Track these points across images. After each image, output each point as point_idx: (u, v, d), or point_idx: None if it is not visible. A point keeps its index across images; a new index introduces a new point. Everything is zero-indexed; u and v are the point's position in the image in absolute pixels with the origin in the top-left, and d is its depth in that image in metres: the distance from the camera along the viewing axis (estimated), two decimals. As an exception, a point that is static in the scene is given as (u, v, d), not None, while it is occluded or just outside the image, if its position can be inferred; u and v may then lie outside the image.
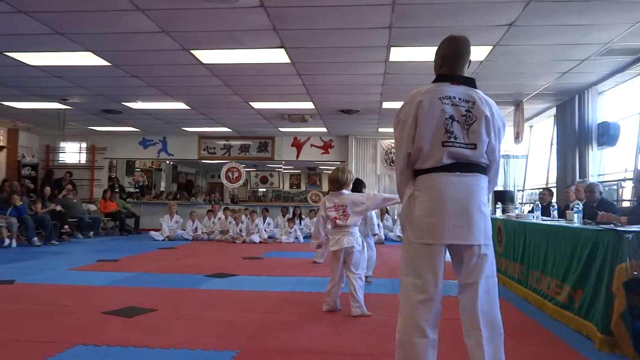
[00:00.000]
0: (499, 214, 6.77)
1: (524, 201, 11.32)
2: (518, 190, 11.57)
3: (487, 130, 2.28)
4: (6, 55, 6.31)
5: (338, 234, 4.15)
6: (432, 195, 2.23)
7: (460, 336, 2.30)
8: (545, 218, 5.34)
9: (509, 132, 9.81)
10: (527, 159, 11.49)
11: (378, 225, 9.48)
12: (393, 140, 12.61)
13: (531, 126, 11.08)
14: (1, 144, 12.22)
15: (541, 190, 8.37)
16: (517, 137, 9.25)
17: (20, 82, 7.81)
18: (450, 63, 2.38)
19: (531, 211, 6.66)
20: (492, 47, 5.78)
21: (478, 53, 6.01)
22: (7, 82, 7.86)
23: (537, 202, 5.79)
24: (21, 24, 5.21)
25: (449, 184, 2.22)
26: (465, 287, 2.27)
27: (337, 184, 4.19)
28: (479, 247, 2.24)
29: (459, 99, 2.28)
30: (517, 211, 6.51)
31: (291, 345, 3.25)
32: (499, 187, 11.62)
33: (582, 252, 3.57)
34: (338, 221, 4.14)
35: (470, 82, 2.37)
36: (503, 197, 9.47)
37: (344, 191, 4.20)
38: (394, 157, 11.93)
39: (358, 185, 5.75)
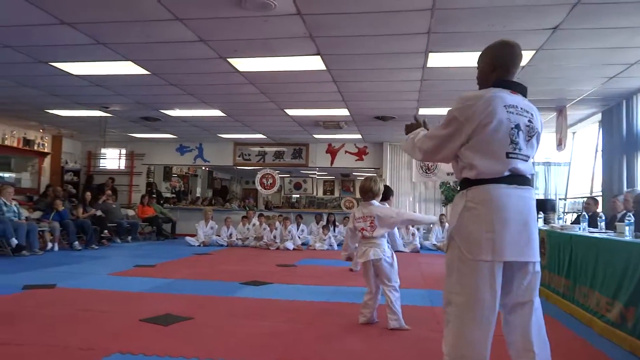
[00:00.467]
0: (540, 224, 6.53)
1: (566, 210, 10.91)
2: (560, 199, 11.17)
3: (538, 144, 2.24)
4: (51, 65, 6.51)
5: (365, 246, 4.07)
6: (490, 209, 2.08)
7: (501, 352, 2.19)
8: (592, 229, 5.10)
9: (551, 138, 9.50)
10: (569, 167, 11.08)
11: (413, 235, 9.37)
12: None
13: (574, 132, 10.69)
14: (46, 150, 12.66)
15: (586, 199, 8.04)
16: (560, 144, 8.92)
17: (64, 90, 8.06)
18: (508, 69, 2.26)
19: (575, 221, 6.40)
20: (534, 51, 5.59)
21: (520, 58, 5.82)
22: (52, 91, 8.12)
23: (584, 213, 5.53)
24: (65, 35, 5.36)
25: (509, 197, 2.09)
26: (517, 307, 2.15)
27: (370, 194, 4.10)
28: (534, 265, 2.14)
29: (521, 108, 2.17)
30: (561, 221, 6.25)
31: (327, 358, 3.17)
32: (540, 196, 11.26)
33: (636, 267, 3.36)
34: (365, 232, 4.05)
35: (525, 91, 2.27)
36: (544, 206, 9.11)
37: (374, 202, 4.10)
38: (430, 164, 11.72)
39: (386, 193, 5.69)
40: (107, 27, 5.17)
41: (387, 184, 6.80)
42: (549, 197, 11.05)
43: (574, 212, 9.64)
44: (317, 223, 12.14)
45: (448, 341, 2.12)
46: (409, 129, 2.55)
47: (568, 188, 11.10)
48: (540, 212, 7.13)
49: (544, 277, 5.49)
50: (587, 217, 5.17)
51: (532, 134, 2.17)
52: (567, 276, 4.72)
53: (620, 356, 3.32)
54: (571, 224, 6.38)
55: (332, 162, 13.62)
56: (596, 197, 8.12)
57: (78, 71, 6.82)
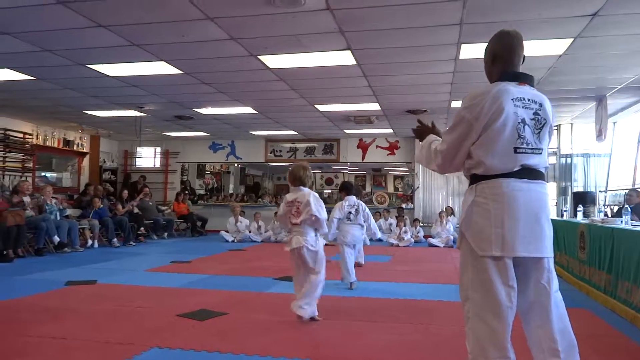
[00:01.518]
0: (580, 217, 6.33)
1: (607, 203, 10.54)
2: (600, 192, 10.79)
3: (550, 134, 2.16)
4: (88, 67, 6.70)
5: (292, 233, 4.03)
6: (500, 203, 2.04)
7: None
8: (635, 223, 4.92)
9: (590, 129, 9.18)
10: (610, 158, 10.69)
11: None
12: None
13: (615, 122, 10.30)
14: (85, 150, 13.06)
15: (628, 191, 7.75)
16: (600, 134, 8.61)
17: (101, 92, 8.28)
18: (512, 60, 2.20)
19: (617, 214, 6.18)
20: (572, 39, 5.40)
21: (556, 47, 5.65)
22: (89, 92, 8.36)
23: (626, 206, 5.33)
24: (101, 38, 5.49)
25: (519, 191, 2.04)
26: (535, 306, 2.08)
27: (297, 181, 4.03)
28: (548, 260, 2.08)
29: (528, 100, 2.11)
30: (601, 215, 6.05)
31: (360, 355, 3.17)
32: (579, 188, 10.91)
33: (683, 262, 3.22)
34: (292, 218, 4.00)
35: (533, 81, 2.20)
36: (584, 199, 8.83)
37: (303, 188, 4.00)
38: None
39: (348, 189, 5.96)
40: (140, 29, 5.28)
41: (350, 181, 7.05)
42: (589, 190, 10.69)
43: (615, 205, 9.30)
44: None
45: (469, 338, 2.09)
46: (418, 133, 2.51)
47: (609, 180, 10.71)
48: (580, 205, 6.93)
49: (584, 271, 5.33)
50: (629, 209, 4.98)
51: (540, 125, 2.11)
52: (609, 271, 4.56)
53: (667, 354, 3.20)
54: (612, 216, 6.17)
55: (363, 157, 13.56)
56: (639, 189, 7.81)
57: (114, 72, 6.99)
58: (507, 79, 2.15)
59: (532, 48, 5.59)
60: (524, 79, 2.18)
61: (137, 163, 14.90)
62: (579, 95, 8.19)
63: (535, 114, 2.10)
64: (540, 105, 2.13)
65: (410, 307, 4.56)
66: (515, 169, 2.06)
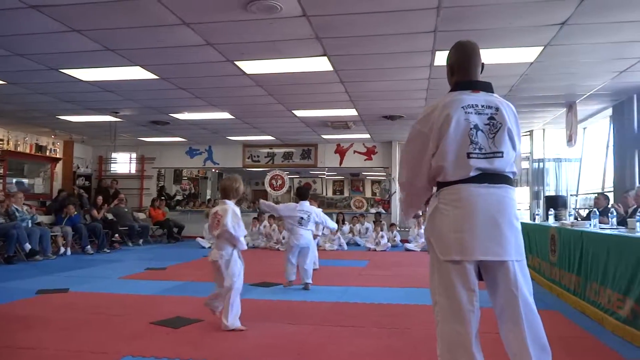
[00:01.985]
0: (551, 221, 6.48)
1: (577, 206, 10.80)
2: (571, 195, 11.06)
3: (511, 137, 2.17)
4: (61, 72, 6.59)
5: (213, 245, 4.06)
6: (459, 209, 2.10)
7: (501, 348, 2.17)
8: (603, 225, 5.06)
9: (561, 134, 9.41)
10: (580, 163, 10.97)
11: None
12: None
13: (585, 128, 10.58)
14: (58, 155, 12.81)
15: (596, 195, 7.96)
16: (570, 139, 8.84)
17: (75, 97, 8.14)
18: (466, 69, 2.30)
19: (586, 218, 6.35)
20: (542, 47, 5.54)
21: (528, 54, 5.79)
22: (63, 97, 8.22)
23: (595, 209, 5.48)
24: (75, 42, 5.42)
25: (477, 196, 2.09)
26: (506, 308, 2.11)
27: (225, 192, 4.06)
28: (514, 264, 2.09)
29: (482, 106, 2.18)
30: (571, 218, 6.20)
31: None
32: (551, 192, 11.17)
33: (648, 264, 3.33)
34: (213, 230, 4.02)
35: (489, 88, 2.27)
36: (556, 203, 9.03)
37: (227, 201, 4.01)
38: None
39: (303, 195, 6.13)
40: (115, 34, 5.22)
41: (306, 187, 7.36)
42: (560, 194, 10.95)
43: (585, 209, 9.54)
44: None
45: (438, 341, 2.14)
46: None
47: (579, 184, 10.99)
48: (551, 209, 7.09)
49: (555, 274, 5.45)
50: (597, 213, 5.12)
51: (495, 129, 2.15)
52: (578, 273, 4.68)
53: (633, 353, 3.29)
54: (582, 220, 6.33)
55: (341, 162, 13.62)
56: (606, 193, 8.05)
57: (88, 77, 6.89)
58: (460, 89, 2.25)
59: (505, 56, 5.73)
60: (478, 86, 2.25)
61: (111, 169, 14.67)
62: (550, 102, 8.40)
63: (491, 118, 2.16)
64: (497, 109, 2.18)
65: (387, 311, 4.60)
66: (473, 174, 2.10)
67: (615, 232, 4.26)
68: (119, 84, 7.24)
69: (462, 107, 2.15)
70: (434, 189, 2.26)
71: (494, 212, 2.09)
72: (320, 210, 6.33)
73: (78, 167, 13.70)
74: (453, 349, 2.06)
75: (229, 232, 3.87)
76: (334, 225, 6.04)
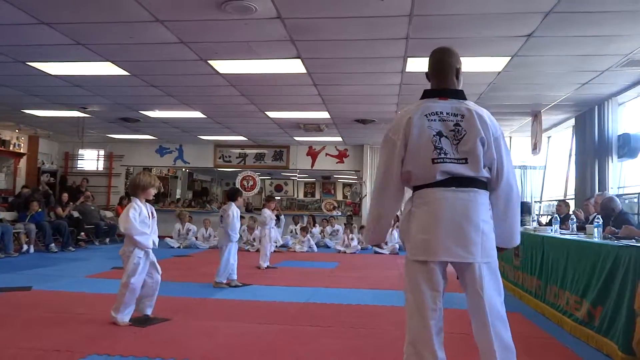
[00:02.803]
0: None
1: (541, 213, 11.14)
2: (535, 202, 11.40)
3: (482, 143, 2.19)
4: (28, 65, 6.43)
5: None
6: (427, 212, 2.19)
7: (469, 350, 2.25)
8: (563, 231, 5.25)
9: (526, 142, 9.69)
10: (544, 170, 11.33)
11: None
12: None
13: (549, 137, 10.94)
14: (22, 151, 12.44)
15: (557, 202, 8.24)
16: (535, 147, 9.12)
17: (42, 91, 7.95)
18: (437, 76, 2.36)
19: (549, 223, 6.57)
20: (510, 58, 5.73)
21: (496, 64, 5.97)
22: (29, 91, 8.01)
23: (556, 215, 5.69)
24: (43, 35, 5.30)
25: (443, 199, 2.17)
26: (473, 310, 2.21)
27: (131, 188, 4.13)
28: (480, 266, 2.16)
29: (447, 113, 2.23)
30: (534, 224, 6.41)
31: (304, 359, 3.22)
32: (516, 198, 11.45)
33: (603, 267, 3.49)
34: None
35: (460, 95, 2.32)
36: (520, 209, 9.30)
37: (135, 198, 4.04)
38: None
39: (234, 194, 6.26)
40: (86, 28, 5.14)
41: (233, 187, 7.66)
42: (525, 200, 11.27)
43: (548, 215, 9.85)
44: (296, 224, 12.19)
45: (405, 338, 2.22)
46: None
47: (543, 191, 11.34)
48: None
49: (518, 277, 5.63)
50: (559, 219, 5.31)
51: (460, 136, 2.20)
52: (539, 276, 4.85)
53: (588, 354, 3.44)
54: (545, 226, 6.54)
55: (312, 165, 13.68)
56: (567, 200, 8.33)
57: (56, 71, 6.74)
58: (428, 96, 2.32)
59: (474, 64, 5.89)
60: (446, 94, 2.30)
61: (78, 165, 14.35)
62: (517, 111, 8.66)
63: (456, 125, 2.21)
64: (462, 117, 2.23)
65: (355, 311, 4.66)
66: (440, 178, 2.17)
67: (574, 237, 4.43)
68: (89, 79, 7.11)
69: (426, 115, 2.23)
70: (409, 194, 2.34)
71: (459, 215, 2.15)
72: (236, 212, 6.14)
73: (43, 163, 13.33)
74: (416, 343, 2.15)
75: (124, 230, 3.93)
76: (233, 233, 6.00)
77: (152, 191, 4.11)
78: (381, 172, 2.31)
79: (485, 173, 2.21)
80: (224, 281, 5.90)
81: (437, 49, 2.42)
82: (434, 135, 2.20)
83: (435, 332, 2.14)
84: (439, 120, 2.22)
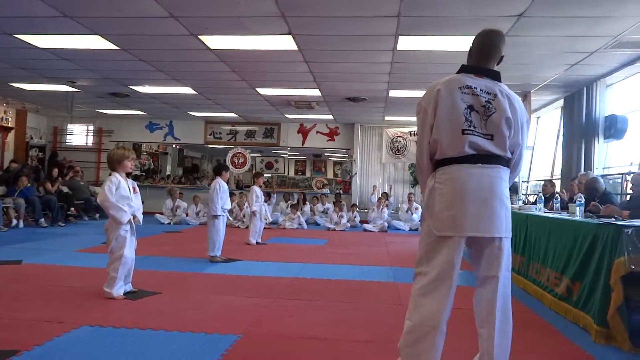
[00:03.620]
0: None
1: (528, 192, 11.30)
2: (523, 182, 11.55)
3: (508, 125, 2.27)
4: (16, 37, 6.34)
5: None
6: (452, 187, 2.22)
7: (465, 325, 2.34)
8: (547, 210, 5.36)
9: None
10: (532, 150, 11.45)
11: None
12: (399, 129, 12.65)
13: (538, 117, 11.03)
14: (10, 125, 12.31)
15: (544, 182, 8.36)
16: (524, 128, 9.19)
17: (30, 64, 7.85)
18: (478, 55, 2.40)
19: (534, 203, 6.69)
20: (500, 37, 5.74)
21: (486, 43, 5.98)
22: (16, 64, 7.90)
23: (540, 194, 5.79)
24: (31, 7, 5.23)
25: (469, 176, 2.22)
26: (486, 280, 2.29)
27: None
28: (500, 240, 2.25)
29: (480, 89, 2.29)
30: (520, 202, 6.52)
31: (293, 331, 3.31)
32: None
33: (582, 245, 3.60)
34: None
35: (495, 75, 2.37)
36: (508, 189, 9.43)
37: (114, 172, 4.07)
38: (399, 146, 12.03)
39: (218, 169, 6.37)
40: (74, 0, 5.07)
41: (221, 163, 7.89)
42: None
43: (535, 194, 9.99)
44: (286, 202, 12.26)
45: (410, 306, 2.28)
46: None
47: (531, 171, 11.48)
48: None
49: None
50: (543, 198, 5.42)
51: (489, 113, 2.26)
52: (522, 254, 4.98)
53: (565, 327, 3.57)
54: (531, 204, 6.66)
55: (303, 142, 13.70)
56: (553, 180, 8.46)
57: (44, 44, 6.65)
58: (463, 71, 2.38)
59: (464, 43, 5.88)
60: (482, 72, 2.36)
61: (67, 141, 14.24)
62: (507, 91, 8.69)
63: (488, 102, 2.27)
64: (494, 96, 2.29)
65: (343, 287, 4.76)
66: (468, 151, 2.22)
67: (555, 215, 4.54)
68: (77, 52, 7.03)
69: (460, 88, 2.28)
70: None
71: (486, 191, 2.22)
72: (219, 186, 6.13)
73: (31, 138, 13.22)
74: (425, 316, 2.20)
75: (100, 204, 4.02)
76: (212, 205, 6.03)
77: (128, 163, 4.12)
78: (418, 141, 2.37)
79: (508, 153, 2.29)
80: (218, 254, 5.97)
81: (487, 30, 2.43)
82: (465, 108, 2.25)
83: (447, 306, 2.21)
84: (472, 94, 2.27)
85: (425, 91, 2.39)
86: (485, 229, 2.21)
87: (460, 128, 2.23)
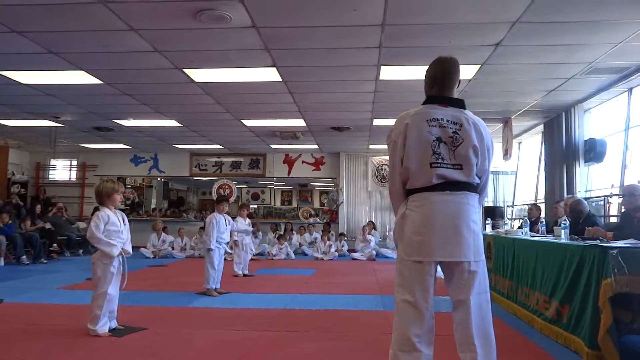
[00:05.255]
0: (489, 230, 6.83)
1: (513, 217, 11.41)
2: (508, 206, 11.68)
3: (475, 153, 2.33)
4: (0, 74, 6.34)
5: None
6: (421, 214, 2.28)
7: (455, 352, 2.32)
8: (533, 234, 5.41)
9: (497, 148, 9.92)
10: (516, 175, 11.62)
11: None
12: (384, 157, 12.76)
13: (520, 143, 11.23)
14: (-9, 161, 12.16)
15: (529, 206, 8.46)
16: (506, 153, 9.36)
17: (13, 100, 7.82)
18: (439, 84, 2.43)
19: (520, 227, 6.75)
20: (479, 66, 5.90)
21: (466, 72, 6.13)
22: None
23: (526, 218, 5.85)
24: (15, 44, 5.25)
25: (438, 203, 2.27)
26: (458, 304, 2.31)
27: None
28: (469, 264, 2.28)
29: (447, 120, 2.33)
30: (506, 227, 6.57)
31: (283, 363, 3.25)
32: (489, 203, 11.72)
33: (569, 267, 3.63)
34: None
35: (459, 104, 2.43)
36: (493, 213, 9.53)
37: (100, 207, 4.05)
38: (385, 173, 12.13)
39: (215, 203, 6.45)
40: (59, 37, 5.11)
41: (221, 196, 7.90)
42: (498, 205, 11.53)
43: (520, 219, 10.09)
44: (274, 232, 12.18)
45: (392, 333, 2.30)
46: None
47: (515, 195, 11.62)
48: (489, 219, 7.47)
49: (491, 279, 5.74)
50: (529, 222, 5.47)
51: (457, 143, 2.31)
52: (511, 278, 4.99)
53: (556, 350, 3.56)
54: (517, 229, 6.72)
55: (289, 172, 13.72)
56: (538, 204, 8.56)
57: (28, 80, 6.65)
58: (429, 102, 2.42)
59: (445, 72, 6.03)
60: (447, 102, 2.40)
61: (50, 176, 14.07)
62: (488, 117, 8.85)
63: (455, 132, 2.32)
64: (460, 125, 2.34)
65: (332, 316, 4.71)
66: (436, 182, 2.28)
67: (542, 239, 4.58)
68: (61, 87, 7.04)
69: (427, 121, 2.33)
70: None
71: (453, 217, 2.27)
72: (215, 220, 6.11)
73: (13, 174, 13.04)
74: (403, 340, 2.24)
75: (89, 239, 3.95)
76: (207, 239, 6.03)
77: (117, 196, 4.07)
78: (390, 169, 2.46)
79: (476, 179, 2.36)
80: (213, 287, 5.88)
81: (443, 59, 2.46)
82: (433, 141, 2.30)
83: (426, 330, 2.23)
84: (439, 126, 2.32)
85: (396, 122, 2.43)
86: (452, 254, 2.26)
87: (429, 162, 2.29)
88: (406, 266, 2.29)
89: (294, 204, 20.81)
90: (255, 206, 20.04)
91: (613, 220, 7.06)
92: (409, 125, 2.32)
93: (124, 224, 4.09)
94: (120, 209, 4.20)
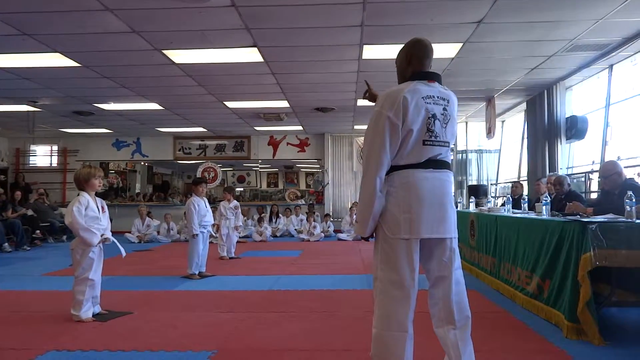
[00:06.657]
0: (472, 208, 6.89)
1: (497, 195, 11.52)
2: (491, 184, 11.78)
3: (455, 128, 2.39)
4: (-29, 57, 6.16)
5: None
6: (408, 191, 2.25)
7: (429, 327, 2.35)
8: (516, 211, 5.47)
9: (481, 127, 9.98)
10: (499, 154, 11.70)
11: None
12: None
13: (503, 121, 11.29)
14: (-32, 148, 11.90)
15: (512, 183, 8.55)
16: (489, 132, 9.41)
17: (-13, 84, 7.62)
18: (424, 61, 2.40)
19: (503, 204, 6.82)
20: (462, 44, 5.88)
21: (448, 50, 6.11)
22: (-28, 85, 7.66)
23: (509, 196, 5.91)
24: (-14, 25, 5.09)
25: (424, 180, 2.26)
26: (438, 280, 2.32)
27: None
28: (451, 240, 2.31)
29: (437, 97, 2.32)
30: (489, 205, 6.63)
31: (268, 343, 3.27)
32: (473, 182, 11.82)
33: (550, 243, 3.68)
34: None
35: (440, 79, 2.42)
36: (477, 191, 9.63)
37: (82, 192, 3.97)
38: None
39: (192, 187, 6.40)
40: (33, 18, 4.96)
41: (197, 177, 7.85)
42: (482, 183, 11.63)
43: (504, 196, 10.20)
44: (260, 215, 12.18)
45: (375, 313, 2.29)
46: (371, 97, 2.70)
47: (499, 173, 11.73)
48: (472, 197, 7.53)
49: (474, 256, 5.84)
50: (511, 199, 5.52)
51: (447, 120, 2.33)
52: (494, 254, 5.05)
53: (537, 324, 3.62)
54: (500, 206, 6.78)
55: (274, 154, 13.66)
56: (522, 182, 8.65)
57: (3, 64, 6.47)
58: (418, 78, 2.34)
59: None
60: (433, 77, 2.39)
61: (30, 162, 13.83)
62: (471, 96, 8.89)
63: (444, 109, 2.32)
64: (448, 101, 2.34)
65: (317, 296, 4.74)
66: (423, 160, 2.26)
67: (524, 215, 4.63)
68: (37, 71, 6.87)
69: (423, 98, 2.27)
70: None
71: (439, 194, 2.28)
72: (195, 204, 6.05)
73: (-8, 161, 12.80)
74: (390, 320, 2.22)
75: (68, 225, 3.89)
76: (189, 224, 5.98)
77: (95, 182, 3.98)
78: (376, 148, 2.23)
79: (451, 156, 2.39)
80: (196, 272, 5.88)
81: (422, 39, 2.43)
82: (429, 118, 2.26)
83: (410, 308, 2.23)
84: (433, 103, 2.29)
85: (385, 97, 2.28)
86: (438, 230, 2.27)
87: (422, 139, 2.26)
88: (391, 245, 2.25)
89: (280, 186, 20.78)
90: (242, 189, 19.98)
91: (594, 196, 7.16)
92: (407, 99, 2.22)
93: (103, 212, 4.03)
94: (102, 194, 4.12)
